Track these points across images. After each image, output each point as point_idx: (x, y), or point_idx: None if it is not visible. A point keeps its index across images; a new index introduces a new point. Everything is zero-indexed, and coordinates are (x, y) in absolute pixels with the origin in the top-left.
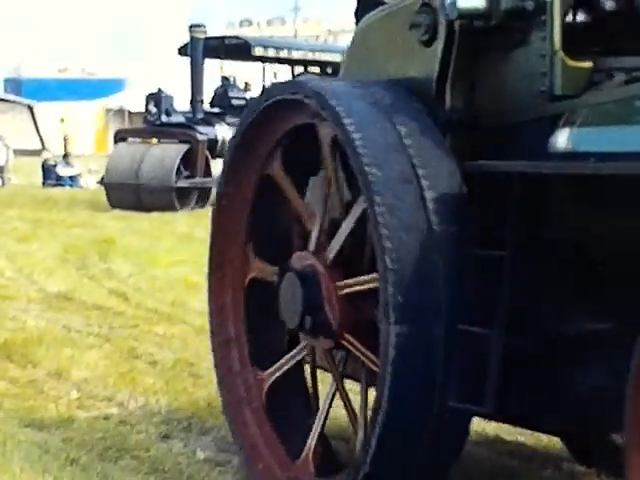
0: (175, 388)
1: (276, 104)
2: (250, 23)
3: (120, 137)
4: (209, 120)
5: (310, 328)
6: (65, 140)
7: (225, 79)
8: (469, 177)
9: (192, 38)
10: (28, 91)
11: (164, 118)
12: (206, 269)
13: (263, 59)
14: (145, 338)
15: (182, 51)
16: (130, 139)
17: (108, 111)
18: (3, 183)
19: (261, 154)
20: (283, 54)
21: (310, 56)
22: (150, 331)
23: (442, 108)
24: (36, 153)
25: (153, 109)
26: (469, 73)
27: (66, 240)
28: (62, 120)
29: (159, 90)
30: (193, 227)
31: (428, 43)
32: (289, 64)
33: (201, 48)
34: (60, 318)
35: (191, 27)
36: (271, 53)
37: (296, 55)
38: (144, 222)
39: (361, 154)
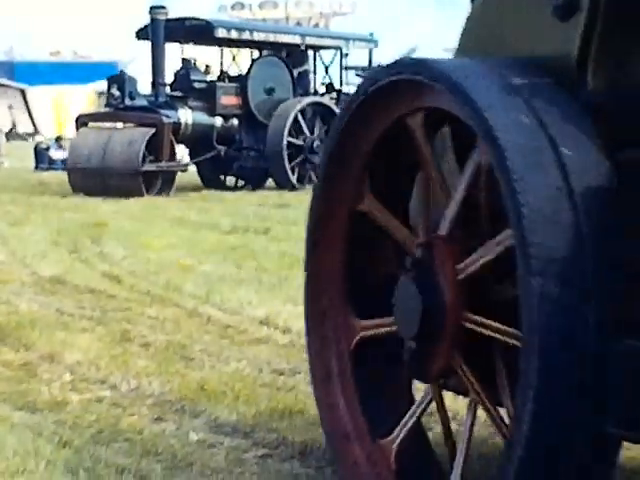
0: (168, 370)
1: (393, 85)
2: (242, 6)
3: (82, 122)
4: (172, 103)
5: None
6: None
7: (186, 61)
8: (619, 168)
9: (153, 20)
10: (21, 75)
11: (128, 101)
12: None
13: (225, 41)
14: (138, 321)
15: (141, 34)
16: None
17: (100, 94)
18: None
19: (370, 139)
20: (245, 36)
21: (272, 38)
22: (143, 314)
23: (583, 90)
24: (29, 137)
25: (116, 92)
26: (616, 49)
27: (59, 224)
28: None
29: (121, 72)
30: (184, 211)
31: (566, 16)
32: (250, 47)
33: (162, 30)
34: (53, 301)
35: (152, 9)
36: (233, 35)
37: (258, 37)
38: (136, 206)
39: (502, 146)
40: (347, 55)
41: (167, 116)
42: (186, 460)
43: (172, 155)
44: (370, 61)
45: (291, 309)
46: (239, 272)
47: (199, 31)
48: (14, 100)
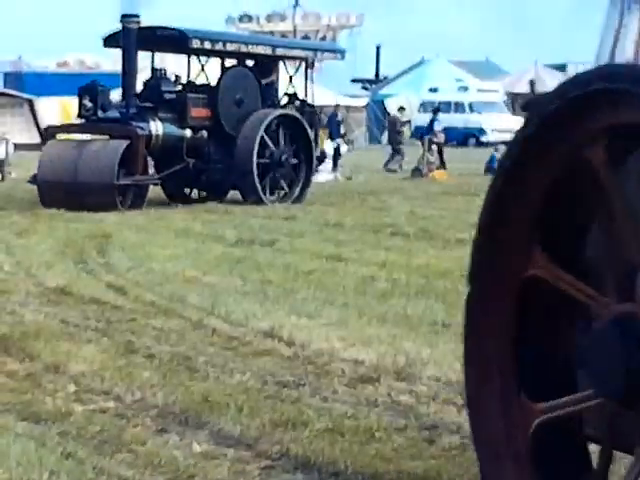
0: (172, 382)
1: (591, 95)
2: (250, 18)
3: (51, 133)
4: (144, 115)
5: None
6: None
7: (156, 71)
8: None
9: (124, 28)
10: (29, 86)
11: (100, 113)
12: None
13: (198, 51)
14: (142, 332)
15: (109, 42)
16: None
17: None
18: (3, 177)
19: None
20: (218, 47)
21: (243, 49)
22: (147, 325)
23: None
24: (36, 147)
25: (88, 104)
26: None
27: (64, 234)
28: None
29: (93, 82)
30: (189, 222)
31: None
32: (219, 56)
33: (134, 39)
34: (58, 312)
35: (123, 17)
36: (207, 45)
37: (230, 47)
38: (141, 217)
39: None
40: (313, 65)
41: (141, 128)
42: (189, 471)
43: (145, 168)
44: (377, 73)
45: (295, 321)
46: (244, 284)
47: (172, 41)
48: (23, 110)
